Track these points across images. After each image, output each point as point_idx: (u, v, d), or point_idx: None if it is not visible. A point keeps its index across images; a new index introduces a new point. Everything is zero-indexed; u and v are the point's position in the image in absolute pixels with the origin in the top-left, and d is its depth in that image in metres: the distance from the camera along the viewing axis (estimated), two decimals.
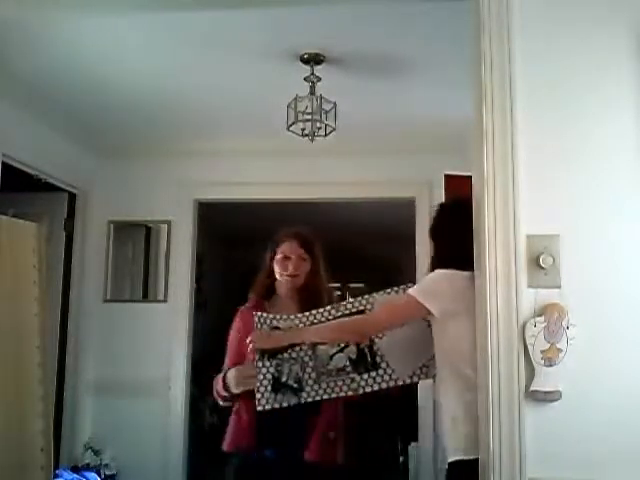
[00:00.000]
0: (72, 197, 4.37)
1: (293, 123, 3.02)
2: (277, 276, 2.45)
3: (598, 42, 1.62)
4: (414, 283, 2.15)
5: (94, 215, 4.48)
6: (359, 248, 8.15)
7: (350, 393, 2.18)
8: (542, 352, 1.51)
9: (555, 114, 1.60)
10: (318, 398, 2.19)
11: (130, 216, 4.51)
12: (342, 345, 2.19)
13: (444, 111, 3.46)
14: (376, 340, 2.17)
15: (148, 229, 4.53)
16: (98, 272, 4.48)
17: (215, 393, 2.42)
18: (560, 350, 1.50)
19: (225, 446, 2.39)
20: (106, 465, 4.16)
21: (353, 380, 2.17)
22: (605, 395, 1.50)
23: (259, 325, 2.27)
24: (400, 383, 2.16)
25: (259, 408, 2.18)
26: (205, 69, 3.18)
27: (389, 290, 2.25)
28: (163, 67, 3.18)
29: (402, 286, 2.22)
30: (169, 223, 4.48)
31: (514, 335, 1.53)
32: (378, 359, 2.17)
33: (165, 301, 4.41)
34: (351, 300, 2.26)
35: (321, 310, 2.25)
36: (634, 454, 1.49)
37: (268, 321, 2.28)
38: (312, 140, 3.06)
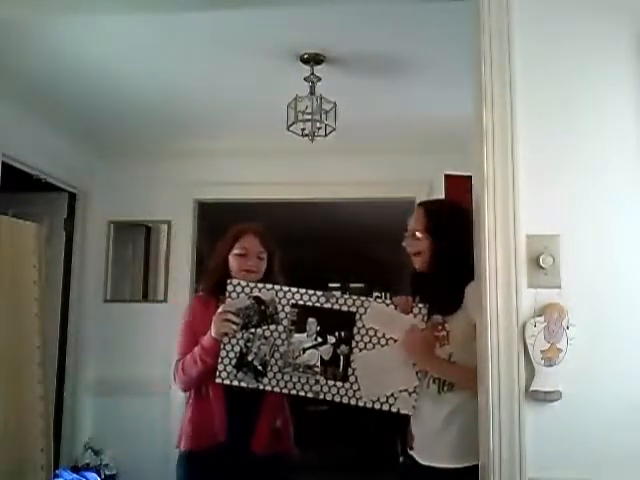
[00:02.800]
0: (72, 197, 4.38)
1: (293, 123, 3.02)
2: (233, 272, 2.31)
3: (598, 42, 1.61)
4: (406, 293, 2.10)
5: (94, 215, 4.48)
6: (359, 248, 8.15)
7: (310, 395, 2.06)
8: (542, 352, 1.51)
9: (555, 114, 1.60)
10: (277, 390, 2.08)
11: (130, 216, 4.51)
12: (319, 340, 2.08)
13: (444, 111, 3.46)
14: (355, 351, 2.06)
15: (148, 229, 4.53)
16: (98, 272, 4.48)
17: (180, 375, 2.28)
18: (560, 350, 1.50)
19: (188, 444, 2.27)
20: (106, 465, 4.16)
21: (317, 382, 2.06)
22: (605, 395, 1.50)
23: (235, 294, 2.15)
24: (361, 404, 2.03)
25: (217, 380, 2.10)
26: (205, 69, 3.18)
27: (389, 302, 2.09)
28: (163, 67, 3.19)
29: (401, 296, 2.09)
30: (169, 223, 4.49)
31: (514, 335, 1.53)
32: (350, 371, 2.05)
33: (165, 301, 4.41)
34: (345, 296, 2.10)
35: (310, 291, 2.12)
36: (634, 454, 1.48)
37: (247, 289, 2.15)
38: (312, 140, 3.06)
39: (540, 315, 1.52)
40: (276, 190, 4.46)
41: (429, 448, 1.93)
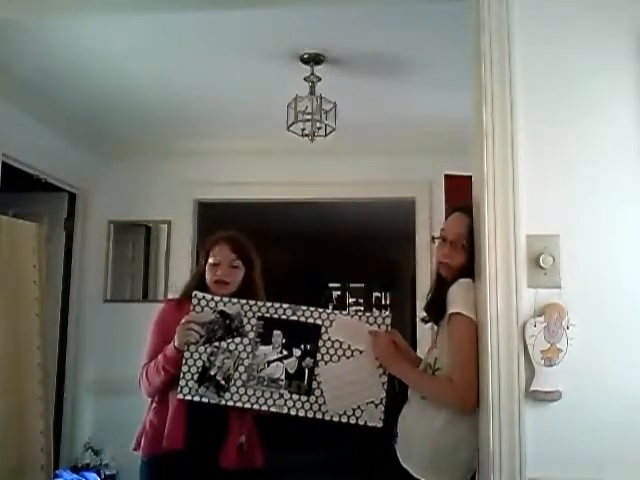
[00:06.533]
0: (72, 197, 4.37)
1: (293, 123, 3.02)
2: (207, 282, 2.25)
3: (598, 42, 1.62)
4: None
5: (94, 215, 4.48)
6: (359, 248, 8.15)
7: (273, 409, 2.03)
8: (542, 352, 1.51)
9: (555, 114, 1.60)
10: (239, 405, 2.04)
11: (130, 216, 4.51)
12: (285, 353, 2.05)
13: (444, 111, 3.46)
14: (320, 364, 2.03)
15: (148, 229, 4.53)
16: (98, 272, 4.48)
17: (145, 382, 2.27)
18: (560, 350, 1.50)
19: (149, 449, 2.27)
20: (106, 465, 4.15)
21: (282, 396, 2.03)
22: (605, 395, 1.50)
23: (199, 308, 2.12)
24: (327, 418, 2.01)
25: (179, 396, 2.07)
26: (205, 69, 3.18)
27: (353, 313, 2.08)
28: (163, 67, 3.19)
29: (368, 314, 2.07)
30: (169, 223, 4.48)
31: (514, 335, 1.53)
32: (314, 384, 2.02)
33: None
34: (311, 309, 2.07)
35: (276, 304, 2.09)
36: (634, 454, 1.49)
37: (212, 304, 2.12)
38: (312, 140, 3.06)
39: (540, 315, 1.53)
40: (276, 190, 4.45)
41: (407, 451, 1.87)
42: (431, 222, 4.24)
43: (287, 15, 2.61)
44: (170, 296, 2.42)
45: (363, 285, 11.03)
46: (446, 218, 2.05)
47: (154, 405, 2.29)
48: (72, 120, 3.89)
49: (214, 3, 2.29)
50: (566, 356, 1.50)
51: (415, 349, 4.15)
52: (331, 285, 11.22)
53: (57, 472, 3.66)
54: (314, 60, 2.97)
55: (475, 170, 1.71)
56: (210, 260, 2.27)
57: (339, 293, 11.36)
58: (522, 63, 1.61)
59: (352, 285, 11.23)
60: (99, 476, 4.02)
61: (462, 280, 1.81)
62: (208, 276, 2.26)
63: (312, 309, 2.08)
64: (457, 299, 1.79)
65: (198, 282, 2.29)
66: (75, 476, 3.87)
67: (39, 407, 2.64)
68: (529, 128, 1.59)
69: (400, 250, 6.63)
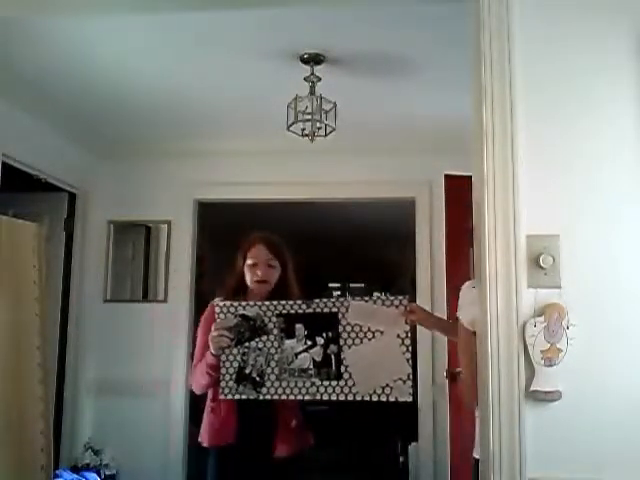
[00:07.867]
0: (72, 197, 4.37)
1: (293, 123, 3.02)
2: (248, 282, 2.45)
3: (598, 42, 1.62)
4: (408, 293, 2.17)
5: (94, 215, 4.48)
6: (359, 248, 8.15)
7: (308, 397, 2.18)
8: (542, 352, 1.51)
9: (555, 114, 1.60)
10: (276, 397, 2.21)
11: (130, 216, 4.51)
12: (309, 343, 2.19)
13: (444, 111, 3.46)
14: (344, 348, 2.16)
15: (148, 229, 4.53)
16: (98, 272, 4.48)
17: (193, 382, 2.44)
18: (560, 350, 1.50)
19: (206, 441, 2.44)
20: (106, 465, 4.15)
21: (313, 384, 2.17)
22: (605, 395, 1.50)
23: (223, 315, 2.28)
24: (358, 398, 2.13)
25: (221, 396, 2.25)
26: (205, 69, 3.19)
27: (367, 298, 2.19)
28: (163, 67, 3.19)
29: (384, 297, 2.17)
30: (169, 223, 4.48)
31: (514, 335, 1.53)
32: (342, 369, 2.16)
33: (165, 301, 4.41)
34: (324, 300, 2.21)
35: (290, 302, 2.24)
36: (634, 454, 1.49)
37: (232, 309, 2.28)
38: (312, 140, 3.06)
39: (540, 315, 1.52)
40: (276, 190, 4.45)
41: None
42: (431, 222, 4.25)
43: (287, 15, 2.61)
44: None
45: (363, 285, 11.02)
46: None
47: (211, 403, 2.45)
48: (72, 120, 3.89)
49: (214, 3, 2.29)
50: (566, 356, 1.50)
51: (415, 350, 4.16)
52: (331, 285, 11.21)
53: (57, 472, 3.66)
54: (314, 60, 2.97)
55: (475, 170, 1.71)
56: (248, 261, 2.45)
57: (339, 293, 11.35)
58: (522, 63, 1.61)
59: (352, 285, 11.22)
60: (99, 476, 4.02)
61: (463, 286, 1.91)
62: (248, 276, 2.45)
63: (325, 300, 2.21)
64: (459, 303, 1.91)
65: (237, 282, 2.48)
66: (75, 476, 3.87)
67: (39, 407, 2.63)
68: (529, 128, 1.59)
69: (400, 250, 6.63)
